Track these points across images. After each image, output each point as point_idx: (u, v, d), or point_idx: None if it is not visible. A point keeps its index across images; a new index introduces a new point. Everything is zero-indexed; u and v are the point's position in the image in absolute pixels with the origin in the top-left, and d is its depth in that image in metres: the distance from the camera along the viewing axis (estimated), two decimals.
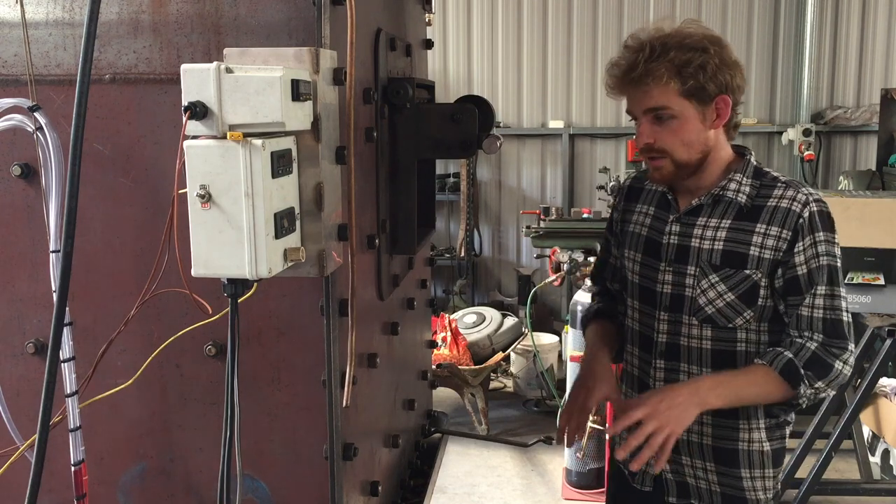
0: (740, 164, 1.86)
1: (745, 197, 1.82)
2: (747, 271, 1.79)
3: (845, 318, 1.79)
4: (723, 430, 1.88)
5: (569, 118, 7.23)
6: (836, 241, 1.80)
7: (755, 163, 1.87)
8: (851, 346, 1.80)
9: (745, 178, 1.83)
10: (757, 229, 1.79)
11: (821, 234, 1.77)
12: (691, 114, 1.75)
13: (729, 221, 1.82)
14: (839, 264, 1.80)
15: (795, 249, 1.76)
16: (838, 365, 1.76)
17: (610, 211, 2.16)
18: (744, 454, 1.88)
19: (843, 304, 1.79)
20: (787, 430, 1.93)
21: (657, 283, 1.90)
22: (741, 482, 1.89)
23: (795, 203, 1.77)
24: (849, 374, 1.79)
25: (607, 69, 1.83)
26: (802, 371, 1.74)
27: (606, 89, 1.85)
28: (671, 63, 1.71)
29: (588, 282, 4.43)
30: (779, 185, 1.81)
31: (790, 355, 1.75)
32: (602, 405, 4.20)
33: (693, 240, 1.85)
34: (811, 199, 1.78)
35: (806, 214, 1.76)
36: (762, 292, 1.80)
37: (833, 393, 1.97)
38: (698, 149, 1.79)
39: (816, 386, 1.75)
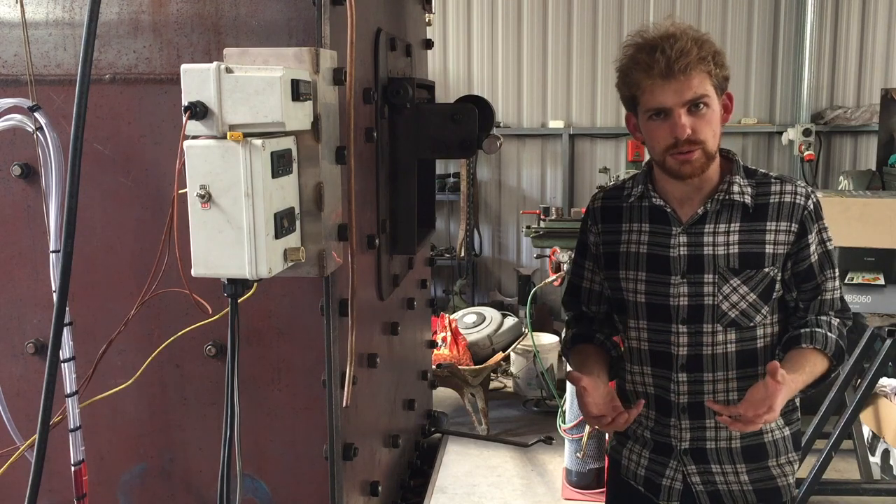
0: (731, 165, 1.88)
1: (749, 198, 1.84)
2: (766, 269, 1.84)
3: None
4: None
5: (569, 118, 7.23)
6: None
7: (742, 163, 1.91)
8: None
9: (742, 180, 1.86)
10: (768, 227, 1.84)
11: (823, 221, 1.89)
12: (717, 105, 1.79)
13: (738, 224, 1.84)
14: None
15: (809, 240, 1.85)
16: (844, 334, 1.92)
17: (580, 234, 2.07)
18: (770, 445, 1.93)
19: None
20: (798, 413, 2.00)
21: (670, 297, 1.87)
22: (770, 471, 1.93)
23: (798, 196, 1.85)
24: None
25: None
26: (845, 349, 1.86)
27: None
28: (708, 52, 1.74)
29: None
30: (772, 181, 1.87)
31: (834, 336, 1.84)
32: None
33: (705, 248, 1.85)
34: (808, 190, 1.87)
35: (811, 206, 1.85)
36: (777, 286, 1.87)
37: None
38: (718, 141, 1.82)
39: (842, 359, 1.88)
